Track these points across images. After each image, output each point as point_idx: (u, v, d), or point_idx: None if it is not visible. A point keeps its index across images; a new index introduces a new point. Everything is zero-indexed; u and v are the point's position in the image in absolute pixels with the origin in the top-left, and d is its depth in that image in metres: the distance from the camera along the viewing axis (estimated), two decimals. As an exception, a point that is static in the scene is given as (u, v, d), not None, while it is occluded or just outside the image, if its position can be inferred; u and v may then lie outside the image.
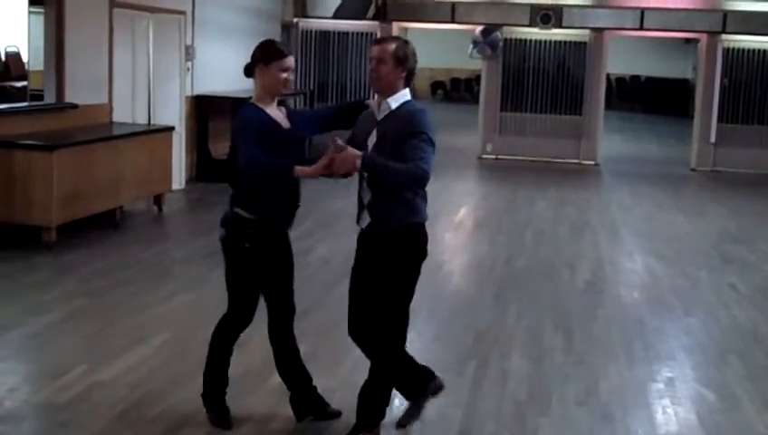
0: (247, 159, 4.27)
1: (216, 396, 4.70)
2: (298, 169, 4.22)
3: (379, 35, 16.51)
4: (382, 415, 4.49)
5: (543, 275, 8.18)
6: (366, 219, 4.43)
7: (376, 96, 4.39)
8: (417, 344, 5.91)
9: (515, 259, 8.72)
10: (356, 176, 4.40)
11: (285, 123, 4.45)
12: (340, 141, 4.16)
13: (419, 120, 4.19)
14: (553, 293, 7.60)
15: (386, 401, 4.51)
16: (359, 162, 4.12)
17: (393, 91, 4.28)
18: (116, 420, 4.67)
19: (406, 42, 4.37)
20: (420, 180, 4.15)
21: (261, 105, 4.47)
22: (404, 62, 4.25)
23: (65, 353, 5.62)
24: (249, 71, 4.58)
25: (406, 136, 4.12)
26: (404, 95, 4.30)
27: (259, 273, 4.48)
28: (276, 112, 4.48)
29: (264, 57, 4.46)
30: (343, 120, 4.67)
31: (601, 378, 5.51)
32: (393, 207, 4.32)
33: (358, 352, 5.76)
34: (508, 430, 4.65)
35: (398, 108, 4.27)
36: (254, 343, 5.91)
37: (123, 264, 7.90)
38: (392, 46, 4.26)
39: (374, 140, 4.30)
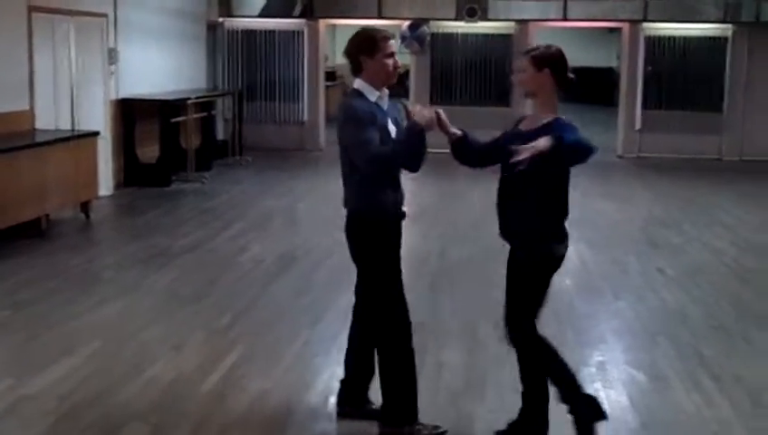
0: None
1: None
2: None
3: (306, 33, 16.51)
4: None
5: (477, 266, 8.23)
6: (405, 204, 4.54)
7: (380, 88, 4.39)
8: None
9: (449, 251, 8.77)
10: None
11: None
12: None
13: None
14: (487, 283, 7.62)
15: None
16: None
17: None
18: (46, 432, 4.57)
19: None
20: None
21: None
22: None
23: (-9, 367, 5.50)
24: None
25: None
26: None
27: None
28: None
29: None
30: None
31: (534, 365, 5.55)
32: None
33: (292, 352, 5.78)
34: (445, 421, 4.65)
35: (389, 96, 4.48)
36: (189, 348, 5.88)
37: (51, 273, 7.73)
38: None
39: (393, 127, 4.40)
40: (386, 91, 4.42)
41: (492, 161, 4.57)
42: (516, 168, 3.96)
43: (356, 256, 4.47)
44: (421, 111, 4.28)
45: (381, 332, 4.48)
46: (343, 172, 4.45)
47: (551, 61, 4.28)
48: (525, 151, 3.94)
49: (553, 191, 4.29)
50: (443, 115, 4.36)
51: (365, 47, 4.33)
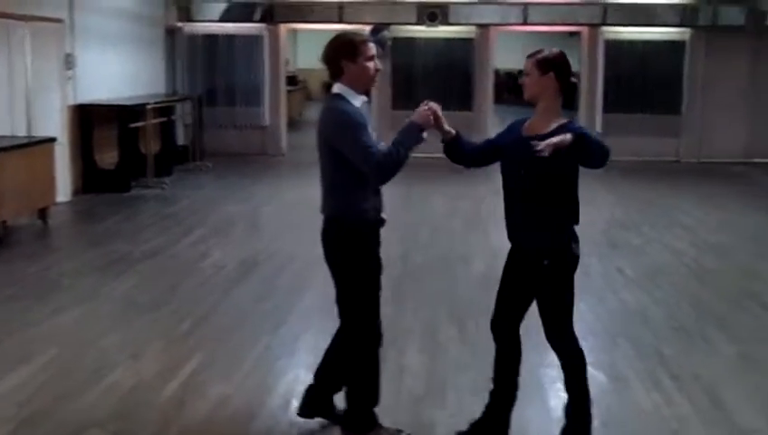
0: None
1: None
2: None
3: (266, 38, 16.47)
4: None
5: (439, 270, 8.25)
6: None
7: (361, 92, 4.35)
8: (319, 344, 5.88)
9: (411, 256, 8.76)
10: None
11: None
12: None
13: None
14: (449, 287, 7.66)
15: None
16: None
17: None
18: (3, 440, 4.51)
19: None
20: None
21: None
22: None
23: (-53, 376, 5.40)
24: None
25: None
26: None
27: None
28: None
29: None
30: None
31: (496, 367, 5.57)
32: None
33: (254, 356, 5.76)
34: (406, 425, 4.64)
35: None
36: (149, 355, 5.82)
37: (8, 280, 7.64)
38: None
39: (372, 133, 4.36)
40: (365, 97, 4.39)
41: (486, 162, 4.60)
42: (538, 153, 3.93)
43: (333, 263, 4.39)
44: (418, 111, 4.31)
45: (353, 340, 4.44)
46: (324, 177, 4.37)
47: (555, 64, 4.25)
48: (549, 143, 3.95)
49: (566, 193, 4.25)
50: (439, 111, 4.34)
51: (346, 51, 4.25)
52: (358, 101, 4.32)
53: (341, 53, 4.26)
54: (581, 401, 4.45)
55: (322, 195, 4.40)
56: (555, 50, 4.35)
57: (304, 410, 4.69)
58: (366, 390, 4.47)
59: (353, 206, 4.31)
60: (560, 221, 4.28)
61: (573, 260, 4.31)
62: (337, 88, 4.31)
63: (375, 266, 4.43)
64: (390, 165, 4.17)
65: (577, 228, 4.33)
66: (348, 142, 4.19)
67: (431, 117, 4.29)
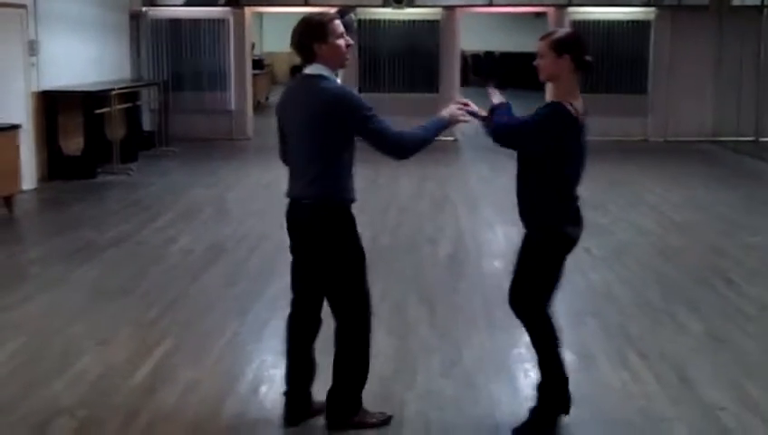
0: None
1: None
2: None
3: (231, 21, 16.37)
4: None
5: (407, 252, 8.26)
6: None
7: (336, 71, 4.34)
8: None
9: (379, 238, 8.76)
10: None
11: None
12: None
13: None
14: (417, 268, 7.68)
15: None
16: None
17: None
18: (-30, 431, 4.48)
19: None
20: None
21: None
22: None
23: None
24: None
25: None
26: None
27: None
28: None
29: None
30: None
31: (465, 347, 5.61)
32: None
33: (223, 342, 5.76)
34: (375, 407, 4.65)
35: None
36: (117, 342, 5.80)
37: (-27, 269, 7.57)
38: None
39: None
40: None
41: None
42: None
43: (326, 250, 4.29)
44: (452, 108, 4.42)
45: (356, 327, 4.42)
46: (311, 161, 4.22)
47: (570, 45, 4.22)
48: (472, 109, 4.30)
49: (551, 173, 4.25)
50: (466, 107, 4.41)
51: (317, 33, 4.19)
52: (338, 80, 4.30)
53: (311, 36, 4.21)
54: (550, 380, 4.46)
55: (304, 180, 4.25)
56: (568, 30, 4.38)
57: (291, 419, 4.53)
58: (360, 375, 4.46)
59: (344, 189, 4.28)
60: (545, 200, 4.28)
61: (564, 241, 4.31)
62: (316, 69, 4.23)
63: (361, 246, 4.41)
64: (411, 143, 4.34)
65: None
66: (364, 121, 4.20)
67: (457, 115, 4.38)
